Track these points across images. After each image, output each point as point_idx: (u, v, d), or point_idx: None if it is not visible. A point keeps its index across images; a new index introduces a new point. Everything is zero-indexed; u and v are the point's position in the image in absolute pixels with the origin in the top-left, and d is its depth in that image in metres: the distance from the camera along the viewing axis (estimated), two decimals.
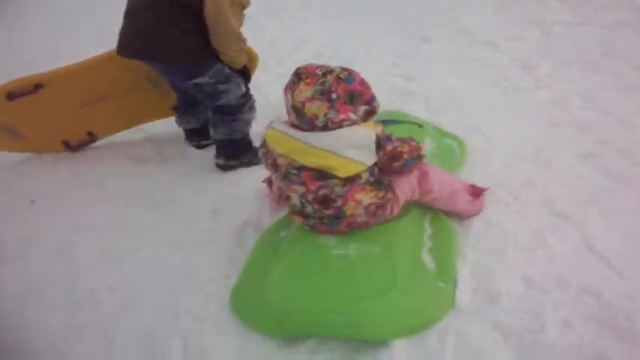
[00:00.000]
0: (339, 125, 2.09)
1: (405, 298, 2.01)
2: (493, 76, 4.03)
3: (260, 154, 2.43)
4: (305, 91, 2.07)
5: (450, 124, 3.30)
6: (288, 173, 2.19)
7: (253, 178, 3.02)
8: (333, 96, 2.06)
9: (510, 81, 3.91)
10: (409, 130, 2.82)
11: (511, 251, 2.30)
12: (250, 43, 3.13)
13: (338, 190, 2.13)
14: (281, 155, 2.17)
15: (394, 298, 1.98)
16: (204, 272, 2.45)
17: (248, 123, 3.24)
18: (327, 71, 2.11)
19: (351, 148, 2.08)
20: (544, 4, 5.51)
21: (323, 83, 2.07)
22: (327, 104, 2.06)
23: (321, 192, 2.14)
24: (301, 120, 2.12)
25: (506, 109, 3.51)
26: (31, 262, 2.70)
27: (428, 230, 2.44)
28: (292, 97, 2.11)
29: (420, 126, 3.13)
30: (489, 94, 3.76)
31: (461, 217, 2.53)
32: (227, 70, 3.03)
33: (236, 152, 3.26)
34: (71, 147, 3.68)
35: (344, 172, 2.09)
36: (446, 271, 2.20)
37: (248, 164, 3.26)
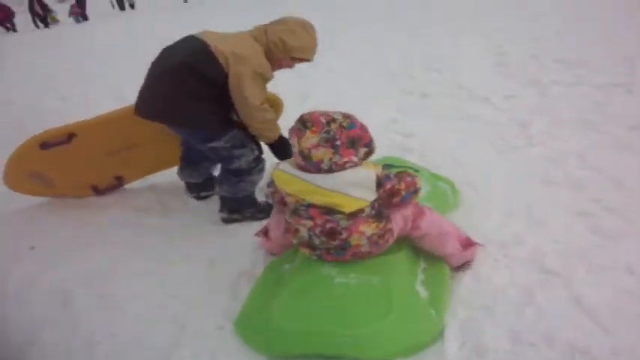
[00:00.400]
0: (343, 167, 2.27)
1: (401, 322, 2.21)
2: (490, 134, 4.12)
3: (267, 192, 2.58)
4: (311, 138, 2.23)
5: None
6: (297, 209, 2.39)
7: (250, 230, 3.10)
8: (337, 143, 2.23)
9: (506, 139, 3.99)
10: None
11: (501, 307, 2.33)
12: None
13: (343, 223, 2.32)
14: (289, 194, 2.37)
15: (391, 323, 2.19)
16: (199, 323, 2.50)
17: (254, 184, 3.30)
18: (331, 120, 2.26)
19: (354, 187, 2.28)
20: (541, 65, 5.67)
21: (328, 132, 2.23)
22: (332, 150, 2.23)
23: (328, 225, 2.34)
24: (308, 163, 2.28)
25: (502, 167, 3.57)
26: (33, 305, 2.75)
27: (422, 264, 2.63)
28: (299, 143, 2.28)
29: (416, 170, 3.17)
30: (486, 152, 3.84)
31: (450, 266, 2.62)
32: (242, 136, 3.09)
33: (239, 207, 3.33)
34: (99, 191, 3.82)
35: (349, 208, 2.30)
36: (437, 301, 2.38)
37: (251, 218, 3.33)
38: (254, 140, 3.19)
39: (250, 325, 2.39)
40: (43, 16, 22.92)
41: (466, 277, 2.55)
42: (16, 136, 3.41)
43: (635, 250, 2.58)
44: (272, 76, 3.06)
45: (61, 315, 2.65)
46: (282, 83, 5.03)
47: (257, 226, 3.08)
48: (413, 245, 2.64)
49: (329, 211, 2.32)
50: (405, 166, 3.24)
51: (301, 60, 3.18)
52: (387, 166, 3.12)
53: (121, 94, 6.63)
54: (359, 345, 2.13)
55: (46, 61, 9.96)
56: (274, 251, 2.89)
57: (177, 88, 2.89)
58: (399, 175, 2.42)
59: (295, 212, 2.41)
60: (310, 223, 2.37)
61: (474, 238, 2.73)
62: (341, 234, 2.34)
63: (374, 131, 3.49)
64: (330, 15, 11.10)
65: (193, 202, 3.66)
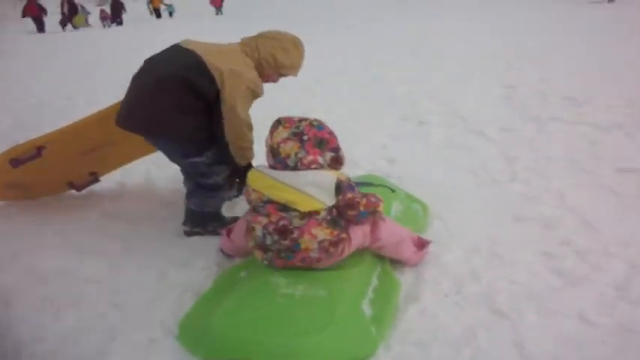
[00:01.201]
0: (308, 167, 2.41)
1: (338, 336, 2.20)
2: (474, 166, 4.02)
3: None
4: (282, 133, 2.45)
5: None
6: (256, 207, 2.51)
7: (209, 246, 3.08)
8: (304, 137, 2.42)
9: (490, 173, 3.88)
10: (381, 193, 2.96)
11: (438, 346, 2.22)
12: (256, 113, 3.08)
13: (296, 222, 2.39)
14: (254, 190, 2.50)
15: (328, 336, 2.18)
16: (132, 334, 2.42)
17: (223, 200, 3.30)
18: (302, 119, 2.51)
19: (312, 187, 2.38)
20: (547, 101, 5.56)
21: (297, 127, 2.45)
22: (299, 144, 2.41)
23: (281, 222, 2.40)
24: (276, 160, 2.46)
25: (477, 200, 3.47)
26: None
27: (374, 282, 2.61)
28: (271, 138, 2.49)
29: (393, 190, 3.40)
30: (465, 184, 3.74)
31: (409, 265, 2.76)
32: (223, 152, 3.03)
33: (203, 221, 3.26)
34: (76, 187, 3.79)
35: (303, 207, 2.38)
36: (380, 319, 2.37)
37: (212, 232, 3.24)
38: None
39: (192, 328, 2.40)
40: (68, 18, 23.26)
41: (411, 310, 2.45)
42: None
43: (592, 296, 2.46)
44: (263, 93, 3.04)
45: (1, 316, 2.61)
46: (281, 103, 4.99)
47: (216, 240, 3.05)
48: (369, 262, 2.68)
49: (284, 207, 2.40)
50: (382, 185, 3.36)
51: (287, 75, 3.18)
52: (366, 183, 3.29)
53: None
54: (291, 355, 2.13)
55: (61, 62, 10.11)
56: (231, 251, 2.94)
57: (165, 99, 2.83)
58: (366, 194, 2.50)
59: (255, 210, 2.52)
60: (265, 220, 2.44)
61: (431, 271, 2.70)
62: (292, 233, 2.39)
63: (361, 156, 3.47)
64: (340, 35, 11.17)
65: (160, 211, 3.60)
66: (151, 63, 3.00)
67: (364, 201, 2.45)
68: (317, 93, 6.59)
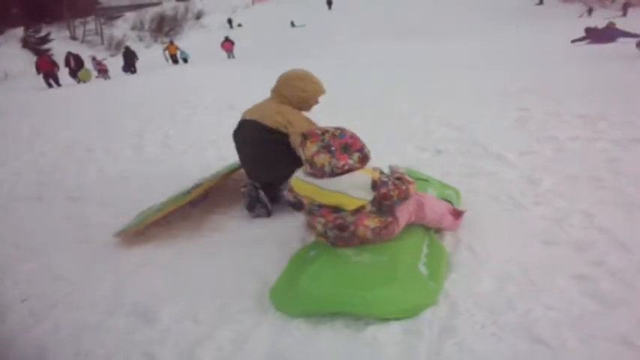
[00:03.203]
0: (342, 170, 2.84)
1: (404, 289, 2.68)
2: (497, 191, 3.96)
3: (288, 196, 3.18)
4: (311, 147, 2.86)
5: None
6: (311, 209, 3.00)
7: (241, 294, 3.04)
8: (332, 148, 2.83)
9: (513, 197, 3.82)
10: (417, 183, 3.33)
11: None
12: None
13: (349, 219, 2.92)
14: (304, 196, 2.98)
15: (395, 289, 2.67)
16: None
17: None
18: (324, 131, 2.89)
19: (352, 188, 2.84)
20: (562, 120, 5.55)
21: (322, 140, 2.84)
22: (329, 155, 2.82)
23: (338, 221, 2.93)
24: (314, 169, 2.88)
25: (503, 226, 3.39)
26: None
27: (425, 250, 3.05)
28: (304, 152, 2.90)
29: (426, 180, 3.93)
30: (488, 210, 3.66)
31: (447, 230, 3.30)
32: None
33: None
34: (192, 204, 4.32)
35: (350, 206, 2.88)
36: (435, 276, 2.84)
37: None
38: None
39: (281, 293, 2.86)
40: (74, 72, 23.35)
41: (448, 345, 2.39)
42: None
43: (632, 318, 2.38)
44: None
45: None
46: None
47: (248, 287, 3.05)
48: (419, 234, 3.15)
49: (336, 209, 2.89)
50: (417, 177, 3.74)
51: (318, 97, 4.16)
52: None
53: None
54: (367, 304, 2.59)
55: (77, 115, 10.24)
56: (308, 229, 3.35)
57: (271, 154, 3.96)
58: (397, 183, 2.92)
59: (310, 212, 3.01)
60: (323, 220, 2.96)
61: (463, 301, 2.66)
62: (349, 227, 2.93)
63: None
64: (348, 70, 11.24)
65: (199, 266, 3.54)
66: (242, 137, 4.16)
67: (396, 192, 2.89)
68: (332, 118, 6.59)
